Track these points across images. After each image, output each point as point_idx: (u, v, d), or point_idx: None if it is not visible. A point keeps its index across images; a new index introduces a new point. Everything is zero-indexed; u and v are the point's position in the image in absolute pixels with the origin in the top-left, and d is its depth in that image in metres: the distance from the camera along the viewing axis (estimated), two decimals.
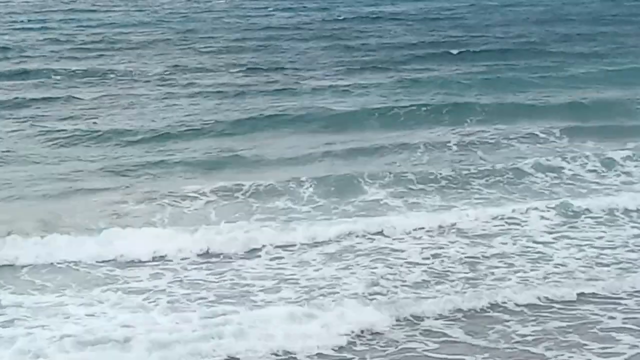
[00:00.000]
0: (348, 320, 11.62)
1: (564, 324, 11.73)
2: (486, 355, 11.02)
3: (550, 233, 14.94)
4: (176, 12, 47.31)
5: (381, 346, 11.30)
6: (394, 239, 14.69)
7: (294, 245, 14.42)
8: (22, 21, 42.62)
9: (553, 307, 12.26)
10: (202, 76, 29.28)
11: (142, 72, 30.07)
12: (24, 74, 29.31)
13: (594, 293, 12.60)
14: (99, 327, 11.41)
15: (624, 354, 10.95)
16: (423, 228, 14.99)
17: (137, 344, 10.93)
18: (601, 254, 13.95)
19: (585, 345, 11.18)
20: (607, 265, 13.53)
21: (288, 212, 16.14)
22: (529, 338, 11.39)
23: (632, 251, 14.15)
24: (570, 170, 18.34)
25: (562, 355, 10.92)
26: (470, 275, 13.29)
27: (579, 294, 12.53)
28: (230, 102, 25.12)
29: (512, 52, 33.24)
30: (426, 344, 11.35)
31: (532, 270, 13.42)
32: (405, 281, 13.03)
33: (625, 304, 12.27)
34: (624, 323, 11.72)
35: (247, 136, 21.45)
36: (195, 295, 12.55)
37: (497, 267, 13.57)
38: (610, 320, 11.80)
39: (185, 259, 13.91)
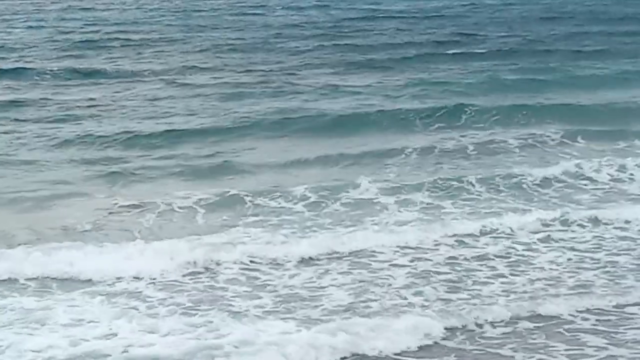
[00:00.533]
0: (330, 328, 11.73)
1: (532, 326, 11.98)
2: (453, 356, 11.25)
3: (542, 239, 15.15)
4: (174, 10, 47.48)
5: None
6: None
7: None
8: (19, 20, 42.81)
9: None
10: (198, 76, 29.47)
11: (138, 72, 30.31)
12: (18, 73, 29.57)
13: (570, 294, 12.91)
14: (79, 337, 11.48)
15: (595, 356, 11.19)
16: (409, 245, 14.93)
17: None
18: (593, 261, 14.17)
19: (555, 347, 11.39)
20: (594, 270, 13.76)
21: (280, 212, 16.34)
22: (497, 340, 11.61)
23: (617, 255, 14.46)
24: (568, 174, 18.50)
25: (532, 357, 11.14)
26: (453, 278, 13.57)
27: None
28: (225, 103, 25.32)
29: (513, 52, 33.47)
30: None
31: (513, 275, 13.67)
32: (389, 286, 13.24)
33: (599, 305, 12.51)
34: (594, 325, 11.98)
35: (242, 139, 21.66)
36: (181, 307, 12.56)
37: (480, 271, 13.85)
38: (584, 322, 12.05)
39: (169, 271, 13.75)
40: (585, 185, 18.06)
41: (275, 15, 44.95)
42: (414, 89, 27.06)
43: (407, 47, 34.85)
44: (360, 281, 13.41)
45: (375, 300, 12.69)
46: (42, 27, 40.44)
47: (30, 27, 40.37)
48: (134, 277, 13.46)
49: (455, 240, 15.02)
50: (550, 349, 11.38)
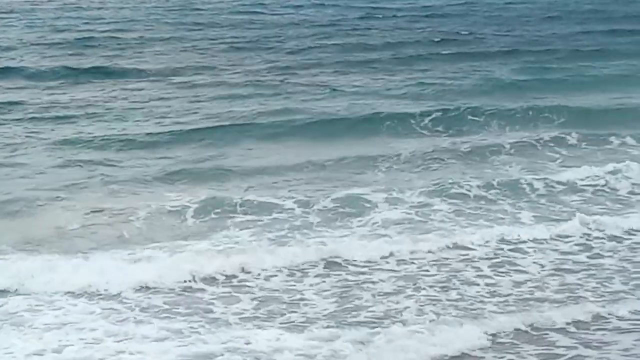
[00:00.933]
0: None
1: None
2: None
3: (530, 240, 15.41)
4: (171, 8, 47.44)
5: None
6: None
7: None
8: (13, 18, 42.78)
9: None
10: (194, 76, 29.42)
11: (133, 71, 30.25)
12: (10, 72, 29.64)
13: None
14: (63, 342, 11.65)
15: (564, 355, 11.53)
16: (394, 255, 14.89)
17: None
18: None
19: (522, 347, 11.72)
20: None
21: (269, 217, 16.45)
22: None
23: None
24: (562, 177, 18.60)
25: (502, 357, 11.47)
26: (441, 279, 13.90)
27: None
28: (220, 104, 25.44)
29: (511, 52, 33.40)
30: None
31: (498, 276, 14.01)
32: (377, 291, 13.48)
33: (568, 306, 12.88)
34: (566, 325, 12.30)
35: (235, 140, 21.79)
36: (165, 313, 12.68)
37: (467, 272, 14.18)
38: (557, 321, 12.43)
39: (154, 278, 13.74)
40: (577, 188, 18.18)
41: (273, 13, 44.99)
42: (410, 89, 27.27)
43: (405, 46, 34.91)
44: (346, 287, 13.65)
45: (367, 307, 12.89)
46: (37, 25, 40.40)
47: (25, 25, 40.33)
48: (118, 283, 13.54)
49: (445, 243, 15.26)
50: (519, 348, 11.71)
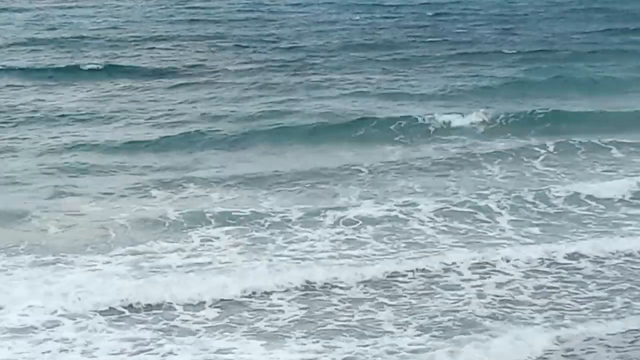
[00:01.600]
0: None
1: None
2: None
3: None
4: (167, 6, 47.50)
5: None
6: None
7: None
8: (4, 17, 42.83)
9: None
10: (187, 77, 29.52)
11: (125, 71, 30.35)
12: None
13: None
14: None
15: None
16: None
17: None
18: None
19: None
20: None
21: (250, 227, 16.46)
22: None
23: None
24: (552, 186, 18.57)
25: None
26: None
27: None
28: (216, 105, 25.60)
29: (510, 53, 33.34)
30: None
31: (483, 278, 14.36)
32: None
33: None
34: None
35: (228, 144, 21.94)
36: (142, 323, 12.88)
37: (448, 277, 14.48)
38: None
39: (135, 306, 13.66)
40: (571, 197, 18.10)
41: (271, 12, 45.01)
42: (407, 89, 27.44)
43: (402, 46, 34.96)
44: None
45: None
46: (30, 25, 40.42)
47: (18, 23, 40.39)
48: (90, 292, 13.58)
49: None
50: None
